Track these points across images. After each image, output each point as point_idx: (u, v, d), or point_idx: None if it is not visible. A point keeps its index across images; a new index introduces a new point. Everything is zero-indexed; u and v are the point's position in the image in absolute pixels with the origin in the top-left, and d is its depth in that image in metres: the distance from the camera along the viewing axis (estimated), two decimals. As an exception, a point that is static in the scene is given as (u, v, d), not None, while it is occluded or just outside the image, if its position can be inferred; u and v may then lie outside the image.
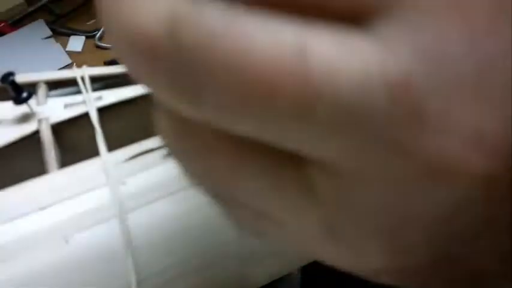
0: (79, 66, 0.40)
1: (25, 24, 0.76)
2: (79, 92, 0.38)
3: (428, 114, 0.09)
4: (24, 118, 0.36)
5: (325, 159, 0.10)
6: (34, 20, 0.77)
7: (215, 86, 0.10)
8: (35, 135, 0.36)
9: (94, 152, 0.34)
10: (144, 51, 0.10)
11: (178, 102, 0.11)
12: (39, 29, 0.75)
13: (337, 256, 0.12)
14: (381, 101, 0.09)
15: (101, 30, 0.75)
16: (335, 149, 0.10)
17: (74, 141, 0.37)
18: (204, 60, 0.10)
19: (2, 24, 0.75)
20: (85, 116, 0.37)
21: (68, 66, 0.69)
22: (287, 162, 0.11)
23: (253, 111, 0.10)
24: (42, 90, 0.38)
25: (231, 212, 0.14)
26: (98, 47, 0.74)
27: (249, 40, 0.09)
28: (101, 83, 0.39)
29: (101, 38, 0.75)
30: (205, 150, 0.12)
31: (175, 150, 0.13)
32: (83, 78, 0.38)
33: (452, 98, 0.09)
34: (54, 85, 0.39)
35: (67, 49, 0.73)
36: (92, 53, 0.73)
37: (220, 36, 0.09)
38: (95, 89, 0.38)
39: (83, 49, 0.74)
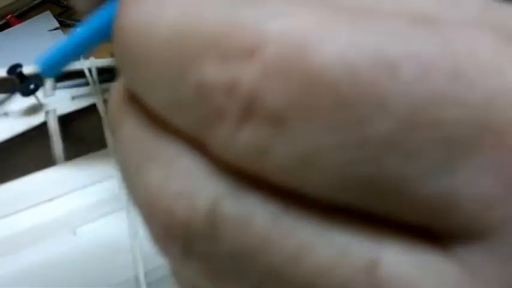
0: (86, 57, 0.40)
1: (32, 16, 0.76)
2: (86, 83, 0.38)
3: None
4: (32, 110, 0.36)
5: None
6: (41, 11, 0.77)
7: None
8: (43, 127, 0.36)
9: (101, 144, 0.34)
10: (179, 238, 0.09)
11: None
12: (47, 20, 0.75)
13: None
14: None
15: (108, 22, 0.75)
16: None
17: (81, 132, 0.37)
18: (250, 263, 0.09)
19: (9, 16, 0.75)
20: (92, 107, 0.37)
21: (75, 58, 0.69)
22: None
23: None
24: (49, 81, 0.38)
25: None
26: (105, 39, 0.74)
27: (307, 250, 0.08)
28: (108, 74, 0.39)
29: (108, 30, 0.75)
30: None
31: None
32: (90, 70, 0.38)
33: None
34: (61, 77, 0.39)
35: (74, 41, 0.73)
36: (99, 45, 0.73)
37: (271, 242, 0.09)
38: (102, 81, 0.38)
39: (90, 41, 0.74)
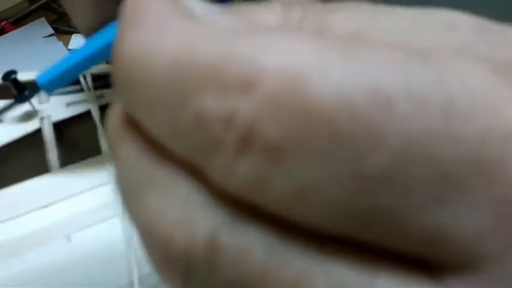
0: (81, 64, 0.40)
1: (27, 23, 0.76)
2: (81, 90, 0.38)
3: None
4: (27, 116, 0.36)
5: None
6: (36, 18, 0.77)
7: None
8: (37, 134, 0.36)
9: (96, 150, 0.34)
10: (178, 266, 0.09)
11: None
12: (41, 27, 0.75)
13: None
14: None
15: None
16: None
17: (76, 139, 0.37)
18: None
19: (4, 23, 0.75)
20: (87, 114, 0.37)
21: (70, 65, 0.69)
22: None
23: None
24: (44, 88, 0.38)
25: None
26: (100, 45, 0.74)
27: (304, 281, 0.09)
28: (103, 81, 0.39)
29: (102, 36, 0.75)
30: None
31: None
32: (85, 77, 0.38)
33: None
34: (56, 83, 0.39)
35: (69, 47, 0.73)
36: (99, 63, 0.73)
37: (269, 272, 0.09)
38: (96, 87, 0.38)
39: (84, 47, 0.74)
